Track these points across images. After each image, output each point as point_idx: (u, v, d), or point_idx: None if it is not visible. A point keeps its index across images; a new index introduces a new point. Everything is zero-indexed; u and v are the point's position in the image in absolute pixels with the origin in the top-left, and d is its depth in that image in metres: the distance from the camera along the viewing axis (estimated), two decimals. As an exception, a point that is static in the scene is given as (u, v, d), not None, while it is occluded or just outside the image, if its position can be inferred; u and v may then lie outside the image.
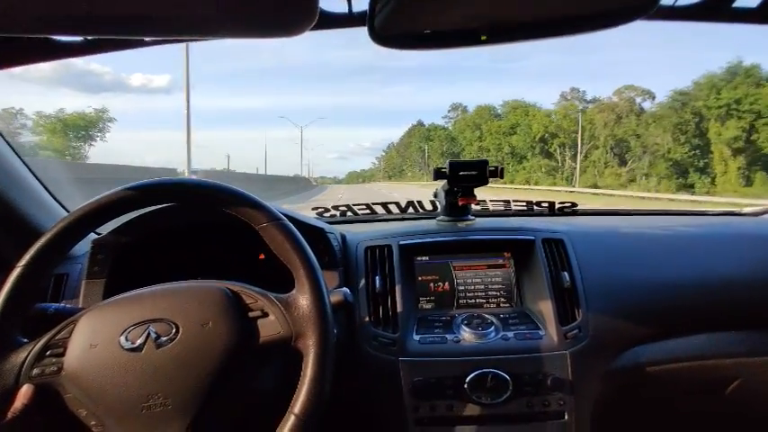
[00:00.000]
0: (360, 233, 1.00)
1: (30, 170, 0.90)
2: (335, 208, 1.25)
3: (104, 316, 0.55)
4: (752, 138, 24.77)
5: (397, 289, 0.88)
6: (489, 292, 0.93)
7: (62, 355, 0.53)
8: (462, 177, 0.98)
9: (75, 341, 0.53)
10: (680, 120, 28.15)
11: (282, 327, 0.55)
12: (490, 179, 0.99)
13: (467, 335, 0.84)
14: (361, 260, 0.92)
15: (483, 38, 0.56)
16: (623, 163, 32.03)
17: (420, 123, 65.50)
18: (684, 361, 0.91)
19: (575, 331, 0.84)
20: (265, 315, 0.56)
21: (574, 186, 29.51)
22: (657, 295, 0.92)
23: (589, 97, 38.50)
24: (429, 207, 1.26)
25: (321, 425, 0.53)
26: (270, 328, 0.55)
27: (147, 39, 0.59)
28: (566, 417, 0.80)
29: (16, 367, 0.52)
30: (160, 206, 0.83)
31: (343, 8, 0.57)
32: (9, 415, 0.50)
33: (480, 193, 1.04)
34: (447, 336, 0.84)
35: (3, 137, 0.84)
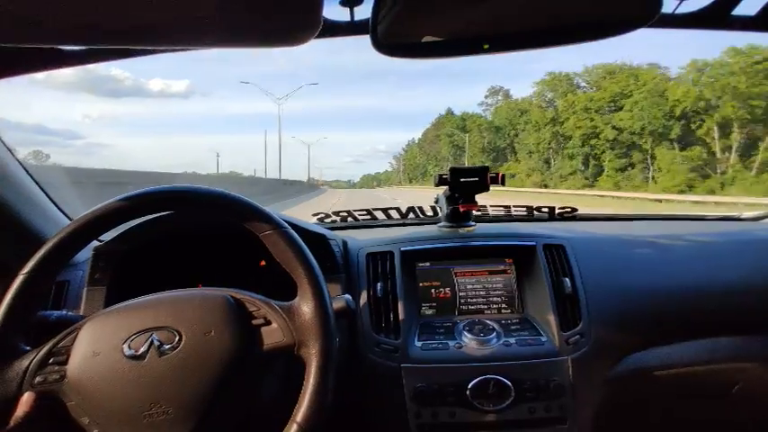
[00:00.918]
0: (361, 239, 1.00)
1: (32, 177, 0.90)
2: (336, 214, 1.25)
3: (107, 324, 0.55)
4: None
5: (399, 295, 0.88)
6: (491, 298, 0.93)
7: (65, 362, 0.53)
8: (464, 184, 0.99)
9: (78, 349, 0.53)
10: None
11: (285, 335, 0.55)
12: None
13: (468, 341, 0.84)
14: (362, 266, 0.92)
15: (485, 46, 0.56)
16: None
17: (450, 112, 54.66)
18: (685, 366, 0.91)
19: (576, 337, 0.84)
20: (268, 323, 0.56)
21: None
22: (658, 301, 0.92)
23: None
24: (430, 213, 1.26)
25: None
26: (272, 336, 0.55)
27: (150, 48, 0.60)
28: (567, 423, 0.80)
29: (19, 375, 0.52)
30: (161, 214, 0.83)
31: (346, 17, 0.58)
32: (11, 423, 0.50)
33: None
34: (449, 342, 0.84)
35: (3, 143, 0.84)
